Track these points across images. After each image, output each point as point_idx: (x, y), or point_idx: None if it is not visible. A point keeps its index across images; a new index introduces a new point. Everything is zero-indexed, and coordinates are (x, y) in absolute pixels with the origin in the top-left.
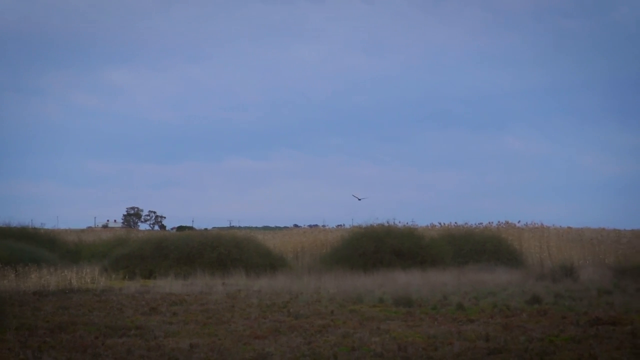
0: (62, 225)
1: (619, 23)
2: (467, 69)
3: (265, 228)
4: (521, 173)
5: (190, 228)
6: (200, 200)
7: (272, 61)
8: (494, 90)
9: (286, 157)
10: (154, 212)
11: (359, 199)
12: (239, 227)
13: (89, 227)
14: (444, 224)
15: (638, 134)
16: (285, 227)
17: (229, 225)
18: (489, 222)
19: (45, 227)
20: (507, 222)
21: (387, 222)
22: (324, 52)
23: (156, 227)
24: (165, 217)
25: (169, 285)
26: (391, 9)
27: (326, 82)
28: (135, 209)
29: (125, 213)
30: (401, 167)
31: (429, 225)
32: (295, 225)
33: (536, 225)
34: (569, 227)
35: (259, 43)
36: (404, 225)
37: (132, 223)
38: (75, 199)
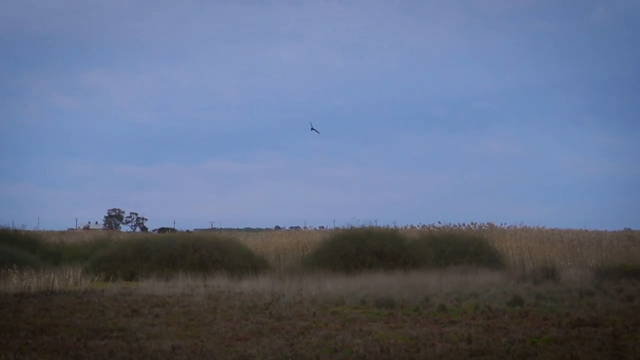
0: (43, 227)
1: (596, 24)
2: (446, 71)
3: (247, 230)
4: (501, 174)
5: (172, 230)
6: (182, 201)
7: (250, 62)
8: (473, 91)
9: (266, 158)
10: (136, 214)
11: (314, 129)
12: (221, 229)
13: (71, 229)
14: (425, 225)
15: (617, 135)
16: (267, 229)
17: (210, 227)
18: (470, 224)
19: (26, 228)
20: (488, 224)
21: (369, 224)
22: (303, 54)
23: (138, 229)
24: (146, 219)
25: (150, 287)
26: (369, 11)
27: (305, 84)
28: (117, 211)
29: (107, 215)
30: (381, 169)
31: (409, 226)
32: (277, 227)
33: (517, 226)
34: (550, 229)
35: (237, 44)
36: (385, 227)
37: (113, 225)
38: (56, 201)
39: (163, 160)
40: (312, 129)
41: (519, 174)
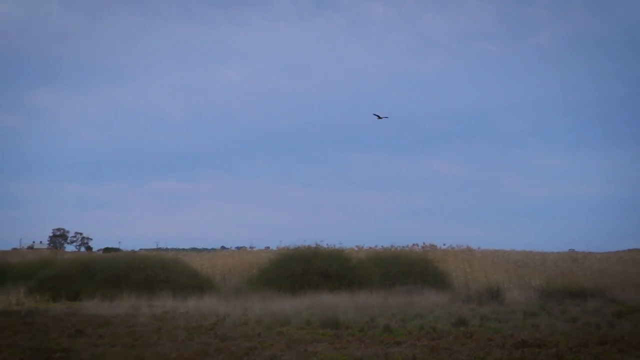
0: None
1: (541, 48)
2: (392, 92)
3: (193, 250)
4: (446, 195)
5: (117, 250)
6: (127, 221)
7: (197, 83)
8: (418, 113)
9: (212, 178)
10: (80, 234)
11: (380, 117)
12: (167, 249)
13: (14, 249)
14: (371, 245)
15: (560, 157)
16: (213, 249)
17: (156, 247)
18: (415, 244)
19: None
20: (432, 245)
21: (315, 244)
22: (249, 74)
23: (83, 249)
24: (91, 239)
25: (95, 307)
26: (316, 33)
27: (251, 104)
28: (62, 230)
29: (51, 234)
30: (327, 189)
31: (356, 247)
32: (223, 247)
33: (462, 247)
34: (494, 250)
35: (183, 65)
36: (332, 247)
37: (58, 244)
38: (0, 220)
39: (109, 179)
40: (378, 117)
41: (464, 195)
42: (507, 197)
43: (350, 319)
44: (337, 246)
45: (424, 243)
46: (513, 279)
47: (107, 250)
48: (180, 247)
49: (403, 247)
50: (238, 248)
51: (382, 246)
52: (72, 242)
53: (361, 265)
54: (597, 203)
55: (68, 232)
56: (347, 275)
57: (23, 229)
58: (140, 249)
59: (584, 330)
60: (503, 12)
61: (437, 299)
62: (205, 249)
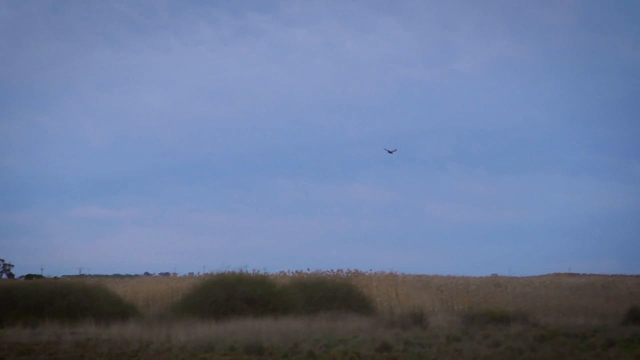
0: None
1: (462, 73)
2: (315, 117)
3: (116, 276)
4: (370, 221)
5: (40, 276)
6: (50, 248)
7: (119, 108)
8: (341, 138)
9: (136, 204)
10: (2, 260)
11: (390, 152)
12: (90, 275)
13: None
14: (295, 271)
15: (483, 182)
16: (137, 275)
17: (79, 273)
18: (340, 270)
19: None
20: (357, 270)
21: (239, 270)
22: (172, 100)
23: (4, 276)
24: (13, 265)
25: (17, 334)
26: (238, 58)
27: (174, 130)
28: None
29: None
30: (251, 215)
31: (280, 272)
32: (147, 273)
33: (385, 272)
34: (418, 275)
35: (105, 90)
36: (256, 273)
37: None
38: None
39: (30, 206)
40: (389, 152)
41: (388, 221)
42: (430, 222)
43: (274, 344)
44: (262, 272)
45: (348, 268)
46: (436, 304)
47: (29, 277)
48: (104, 274)
49: (327, 272)
50: (162, 274)
51: (306, 271)
52: None
53: (285, 291)
54: (519, 228)
55: None
56: (271, 300)
57: None
58: (63, 276)
59: (506, 355)
60: (424, 38)
61: (361, 324)
62: (128, 275)
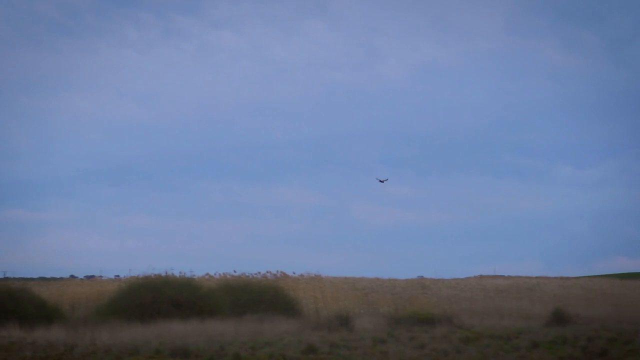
0: None
1: (388, 77)
2: (241, 120)
3: (41, 279)
4: (297, 223)
5: None
6: None
7: (43, 110)
8: (267, 141)
9: (61, 207)
10: None
11: (382, 181)
12: (14, 278)
13: None
14: (222, 273)
15: (409, 185)
16: (62, 278)
17: (3, 277)
18: (266, 272)
19: None
20: (283, 273)
21: (165, 273)
22: (97, 102)
23: None
24: None
25: None
26: (164, 60)
27: (100, 132)
28: None
29: None
30: (178, 217)
31: (206, 275)
32: (72, 276)
33: (311, 275)
34: (344, 277)
35: (28, 92)
36: (182, 276)
37: None
38: None
39: None
40: (380, 181)
41: (314, 223)
42: (357, 224)
43: (200, 347)
44: (188, 274)
45: (275, 271)
46: (363, 306)
47: None
48: (29, 276)
49: (254, 275)
50: (87, 277)
51: (233, 274)
52: None
53: (212, 294)
54: (445, 230)
55: None
56: (198, 303)
57: None
58: None
59: (431, 357)
60: (350, 41)
61: (288, 326)
62: (54, 278)
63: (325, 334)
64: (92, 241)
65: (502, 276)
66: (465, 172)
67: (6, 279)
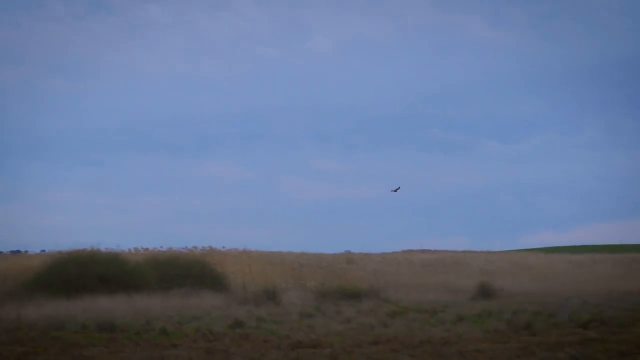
0: None
1: (316, 52)
2: (167, 93)
3: None
4: (224, 198)
5: None
6: None
7: None
8: (194, 115)
9: None
10: None
11: (395, 190)
12: None
13: None
14: (149, 248)
15: (337, 159)
16: None
17: None
18: (193, 247)
19: None
20: (210, 247)
21: (91, 247)
22: (21, 76)
23: None
24: None
25: None
26: (91, 34)
27: (24, 105)
28: None
29: None
30: (103, 192)
31: (133, 249)
32: None
33: (239, 249)
34: (271, 252)
35: None
36: (108, 251)
37: None
38: None
39: None
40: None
41: (242, 198)
42: (284, 199)
43: (127, 322)
44: (115, 249)
45: (202, 246)
46: (290, 281)
47: None
48: None
49: (181, 249)
50: (12, 252)
51: (160, 248)
52: None
53: (138, 269)
54: (372, 204)
55: None
56: (125, 278)
57: None
58: None
59: (358, 331)
60: (278, 15)
61: (215, 301)
62: None
63: (252, 309)
64: (17, 216)
65: (429, 250)
66: (393, 147)
67: None
